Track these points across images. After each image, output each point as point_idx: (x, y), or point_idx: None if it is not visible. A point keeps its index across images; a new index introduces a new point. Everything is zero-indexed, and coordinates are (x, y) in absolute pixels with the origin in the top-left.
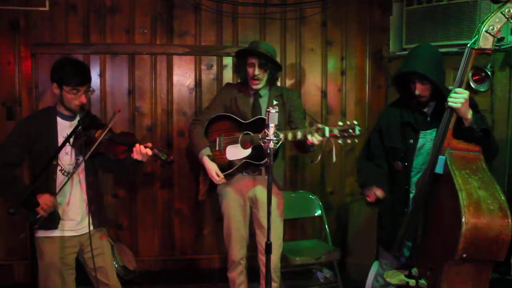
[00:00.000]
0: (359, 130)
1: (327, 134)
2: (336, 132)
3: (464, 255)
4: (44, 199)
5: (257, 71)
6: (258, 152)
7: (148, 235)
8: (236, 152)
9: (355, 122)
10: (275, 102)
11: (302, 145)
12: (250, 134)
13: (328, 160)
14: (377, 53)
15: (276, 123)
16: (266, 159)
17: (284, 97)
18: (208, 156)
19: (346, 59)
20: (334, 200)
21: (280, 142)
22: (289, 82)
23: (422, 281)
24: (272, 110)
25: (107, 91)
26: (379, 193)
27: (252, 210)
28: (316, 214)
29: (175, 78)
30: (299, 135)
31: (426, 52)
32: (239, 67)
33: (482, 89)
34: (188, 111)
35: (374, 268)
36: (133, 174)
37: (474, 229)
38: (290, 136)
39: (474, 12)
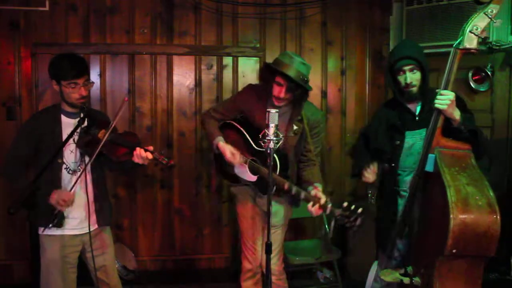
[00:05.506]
0: (361, 221)
1: (327, 211)
2: (338, 212)
3: (454, 251)
4: (62, 196)
5: (283, 94)
6: (265, 184)
7: (148, 235)
8: (242, 172)
9: (360, 211)
10: (295, 127)
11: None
12: (256, 164)
13: (328, 160)
14: (377, 53)
15: (276, 123)
16: (271, 192)
17: (304, 122)
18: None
19: (346, 59)
20: (334, 200)
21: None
22: None
23: (416, 279)
24: (272, 111)
25: (107, 91)
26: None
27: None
28: None
29: (175, 78)
30: (302, 195)
31: (411, 43)
32: (265, 78)
33: (482, 89)
34: (188, 111)
35: (374, 268)
36: (133, 174)
37: (462, 224)
38: (294, 190)
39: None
